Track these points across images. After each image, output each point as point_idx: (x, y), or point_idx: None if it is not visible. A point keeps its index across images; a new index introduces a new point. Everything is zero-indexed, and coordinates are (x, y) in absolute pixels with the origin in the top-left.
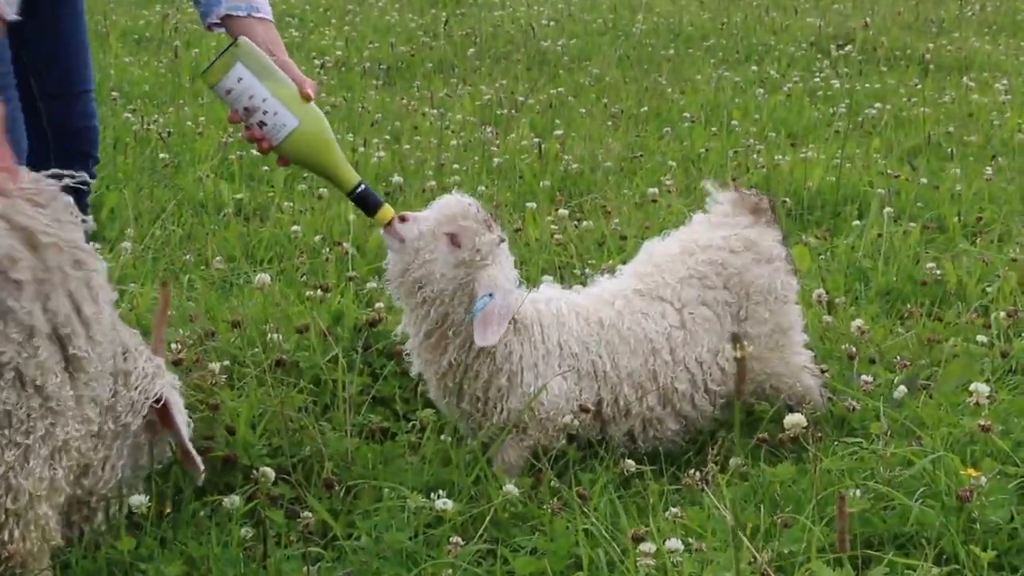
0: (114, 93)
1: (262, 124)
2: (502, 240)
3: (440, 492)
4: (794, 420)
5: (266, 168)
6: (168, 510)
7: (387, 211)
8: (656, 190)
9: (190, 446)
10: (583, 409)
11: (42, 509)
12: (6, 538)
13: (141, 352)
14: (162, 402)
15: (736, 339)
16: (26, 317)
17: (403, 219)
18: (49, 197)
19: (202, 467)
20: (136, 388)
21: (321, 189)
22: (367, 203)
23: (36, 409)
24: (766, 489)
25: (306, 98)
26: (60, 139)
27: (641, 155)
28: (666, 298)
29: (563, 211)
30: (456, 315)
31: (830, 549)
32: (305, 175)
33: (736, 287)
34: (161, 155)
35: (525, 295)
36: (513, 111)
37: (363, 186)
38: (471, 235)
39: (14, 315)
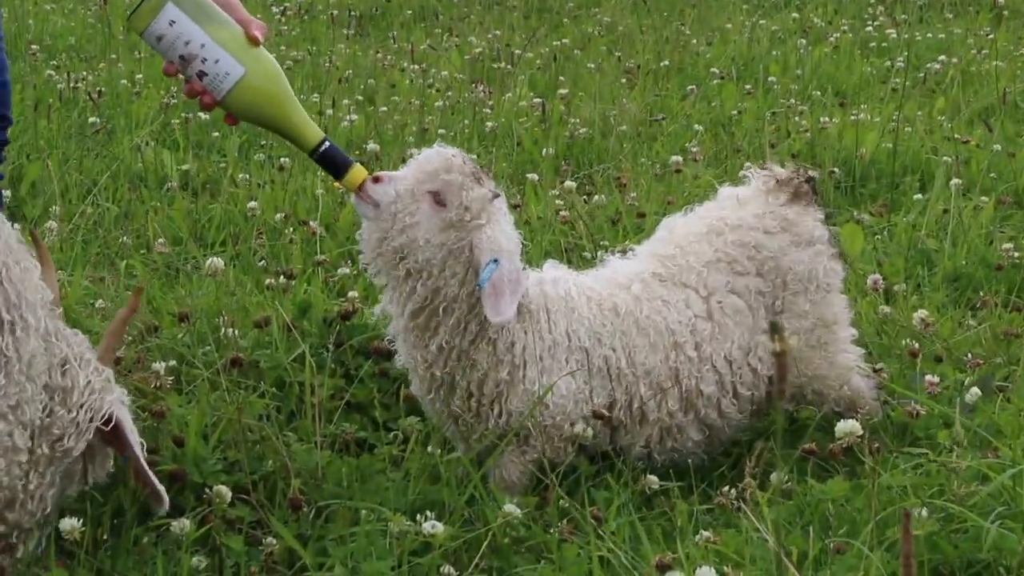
0: (33, 47)
1: (202, 75)
2: (496, 195)
3: (428, 514)
4: (847, 428)
5: (217, 134)
6: (105, 536)
7: (358, 172)
8: (680, 158)
9: (150, 472)
10: (597, 416)
11: None
12: None
13: (87, 362)
14: (112, 423)
15: (775, 328)
16: None
17: (377, 180)
18: None
19: (165, 497)
20: (80, 406)
21: (283, 159)
22: (333, 163)
23: None
24: (814, 509)
25: (253, 42)
26: None
27: (662, 118)
28: (690, 284)
29: (570, 183)
30: (449, 289)
31: None
32: (263, 142)
33: (771, 274)
34: (91, 119)
35: (529, 275)
36: (509, 66)
37: (327, 144)
38: (457, 191)
39: None
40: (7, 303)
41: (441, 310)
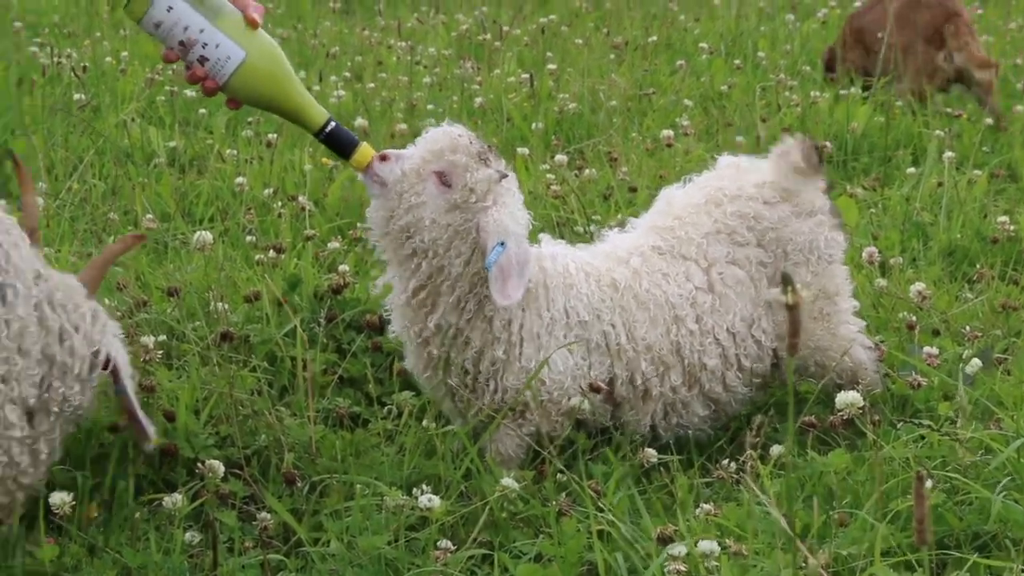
0: (17, 23)
1: (203, 60)
2: (503, 176)
3: (423, 488)
4: (848, 399)
5: (203, 111)
6: (95, 513)
7: (365, 151)
8: (671, 133)
9: (138, 408)
10: (593, 388)
11: None
12: None
13: (83, 316)
14: (110, 366)
15: (787, 280)
16: None
17: (383, 158)
18: None
19: (152, 432)
20: (76, 375)
21: (270, 135)
22: (340, 143)
23: None
24: (817, 481)
25: (252, 25)
26: None
27: (653, 92)
28: (690, 256)
29: (561, 157)
30: (453, 268)
31: (897, 550)
32: (250, 118)
33: (772, 244)
34: (76, 96)
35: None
36: (497, 42)
37: (333, 123)
38: (462, 172)
39: None
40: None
41: (443, 288)
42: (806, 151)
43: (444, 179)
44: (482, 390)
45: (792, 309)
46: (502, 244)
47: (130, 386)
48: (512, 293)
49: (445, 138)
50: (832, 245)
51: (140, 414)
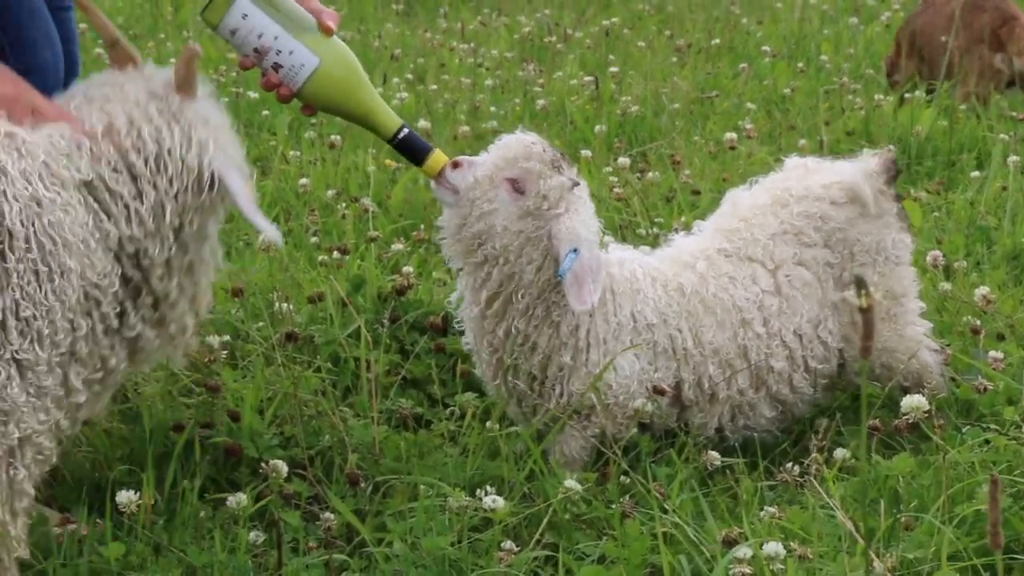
0: (82, 25)
1: (277, 67)
2: (575, 184)
3: (487, 489)
4: (913, 403)
5: (266, 112)
6: (152, 501)
7: (438, 157)
8: (734, 136)
9: (255, 212)
10: (657, 391)
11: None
12: None
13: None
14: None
15: (860, 283)
16: None
17: (456, 165)
18: None
19: (275, 233)
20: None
21: (333, 136)
22: (413, 149)
23: None
24: (882, 485)
25: (327, 32)
26: None
27: (716, 95)
28: (756, 258)
29: (624, 160)
30: (524, 275)
31: (963, 555)
32: (313, 120)
33: (839, 245)
34: None
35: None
36: (560, 44)
37: (406, 130)
38: (535, 179)
39: None
40: (42, 252)
41: (515, 296)
42: (886, 164)
43: (517, 186)
44: (548, 395)
45: (865, 312)
46: (575, 251)
47: (244, 188)
48: (588, 299)
49: (518, 145)
50: (899, 246)
51: (259, 217)
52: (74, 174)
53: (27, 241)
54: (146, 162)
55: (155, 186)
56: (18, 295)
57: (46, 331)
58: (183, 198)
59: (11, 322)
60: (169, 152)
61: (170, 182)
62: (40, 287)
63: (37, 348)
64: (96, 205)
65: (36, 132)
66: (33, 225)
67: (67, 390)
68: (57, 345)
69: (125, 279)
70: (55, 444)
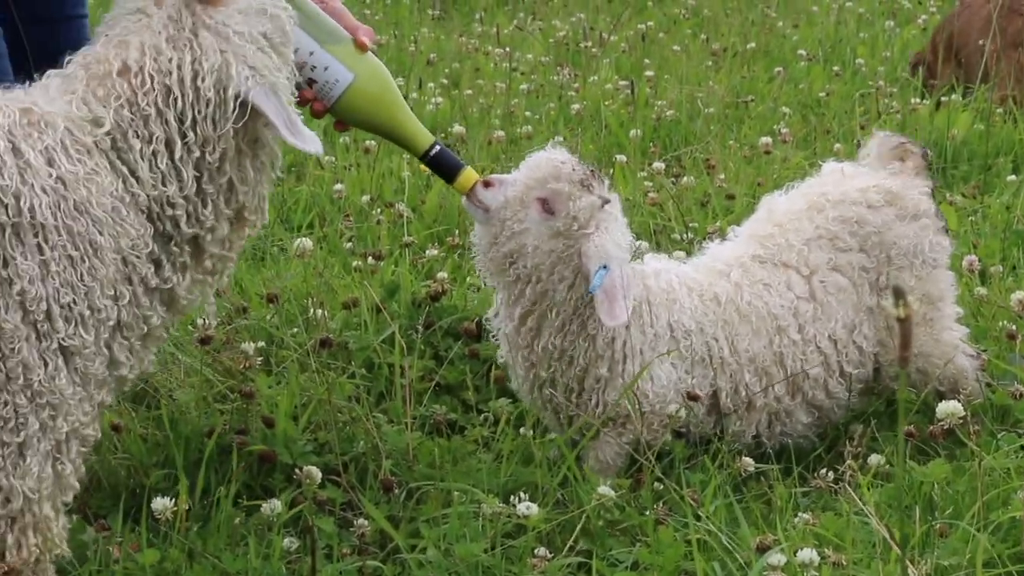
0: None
1: (311, 82)
2: (606, 202)
3: (520, 495)
4: (949, 409)
5: (300, 116)
6: (186, 506)
7: (469, 175)
8: (769, 140)
9: (291, 130)
10: (691, 397)
11: (43, 511)
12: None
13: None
14: (248, 106)
15: (898, 293)
16: None
17: (487, 184)
18: None
19: (312, 143)
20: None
21: (368, 141)
22: (445, 166)
23: (25, 406)
24: (917, 491)
25: (361, 48)
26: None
27: (751, 99)
28: (791, 264)
29: (659, 165)
30: (557, 293)
31: (999, 561)
32: None
33: (875, 249)
34: None
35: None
36: (595, 48)
37: (438, 147)
38: (565, 200)
39: None
40: (71, 236)
41: (548, 313)
42: (921, 164)
43: (547, 206)
44: (585, 406)
45: (904, 322)
46: (604, 267)
47: (280, 117)
48: (619, 314)
49: (548, 165)
50: (936, 249)
51: (302, 130)
52: (97, 135)
53: (57, 230)
54: (157, 101)
55: (167, 123)
56: (57, 283)
57: (87, 312)
58: (203, 130)
59: (55, 310)
60: (180, 83)
61: (180, 119)
62: (76, 270)
63: (82, 331)
64: (122, 165)
65: (54, 99)
66: (60, 209)
67: (112, 364)
68: (101, 323)
69: (157, 232)
70: (98, 432)
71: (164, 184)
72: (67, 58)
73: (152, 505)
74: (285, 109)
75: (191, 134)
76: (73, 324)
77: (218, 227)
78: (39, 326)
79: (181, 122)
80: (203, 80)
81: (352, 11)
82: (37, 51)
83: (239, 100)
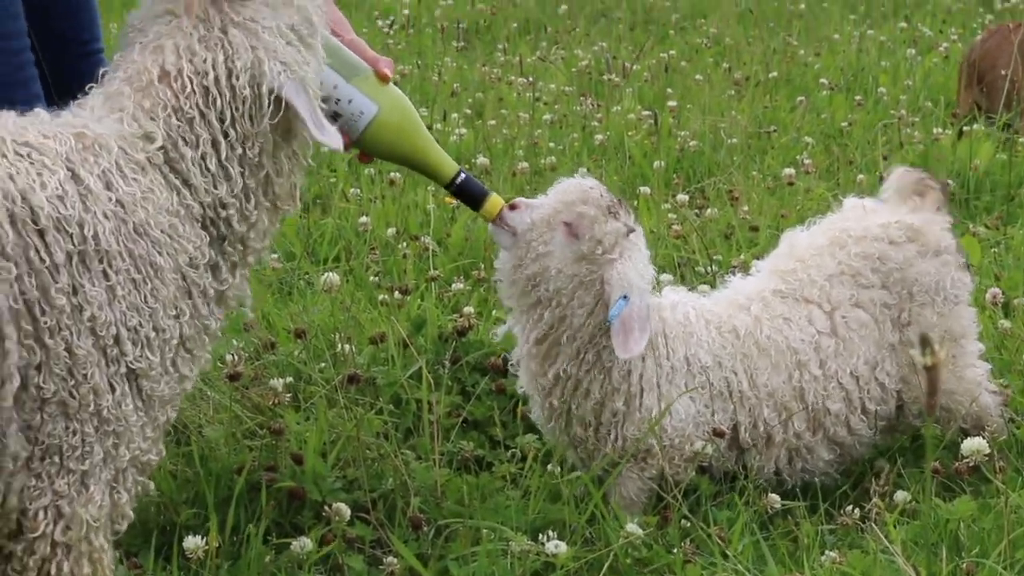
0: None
1: (336, 116)
2: (631, 230)
3: (549, 533)
4: (974, 446)
5: (325, 149)
6: (216, 543)
7: (495, 201)
8: (792, 171)
9: (319, 124)
10: (717, 433)
11: (98, 541)
12: (52, 573)
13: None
14: (284, 101)
15: (926, 341)
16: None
17: (513, 207)
18: None
19: (336, 138)
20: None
21: (393, 173)
22: (470, 194)
23: (92, 434)
24: (943, 529)
25: (383, 79)
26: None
27: (774, 129)
28: (812, 299)
29: (682, 197)
30: (575, 319)
31: None
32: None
33: (897, 285)
34: None
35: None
36: (618, 78)
37: (463, 175)
38: (590, 224)
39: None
40: (133, 259)
41: (564, 338)
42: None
43: (573, 230)
44: (604, 440)
45: (930, 370)
46: (625, 298)
47: (306, 107)
48: (633, 347)
49: (576, 189)
50: (958, 285)
51: (326, 125)
52: (150, 151)
53: (120, 255)
54: (198, 103)
55: (210, 124)
56: (124, 307)
57: (153, 335)
58: (243, 127)
59: (123, 333)
60: (216, 82)
61: (220, 118)
62: (140, 293)
63: (148, 353)
64: (175, 177)
65: (102, 118)
66: (121, 233)
67: (179, 380)
68: (166, 343)
69: (212, 239)
70: (161, 453)
71: (215, 187)
72: (103, 71)
73: (184, 544)
74: (312, 104)
75: (232, 132)
76: (140, 347)
77: (259, 220)
78: (108, 351)
79: (222, 121)
80: (237, 78)
81: (375, 42)
82: (54, 87)
83: (273, 96)
